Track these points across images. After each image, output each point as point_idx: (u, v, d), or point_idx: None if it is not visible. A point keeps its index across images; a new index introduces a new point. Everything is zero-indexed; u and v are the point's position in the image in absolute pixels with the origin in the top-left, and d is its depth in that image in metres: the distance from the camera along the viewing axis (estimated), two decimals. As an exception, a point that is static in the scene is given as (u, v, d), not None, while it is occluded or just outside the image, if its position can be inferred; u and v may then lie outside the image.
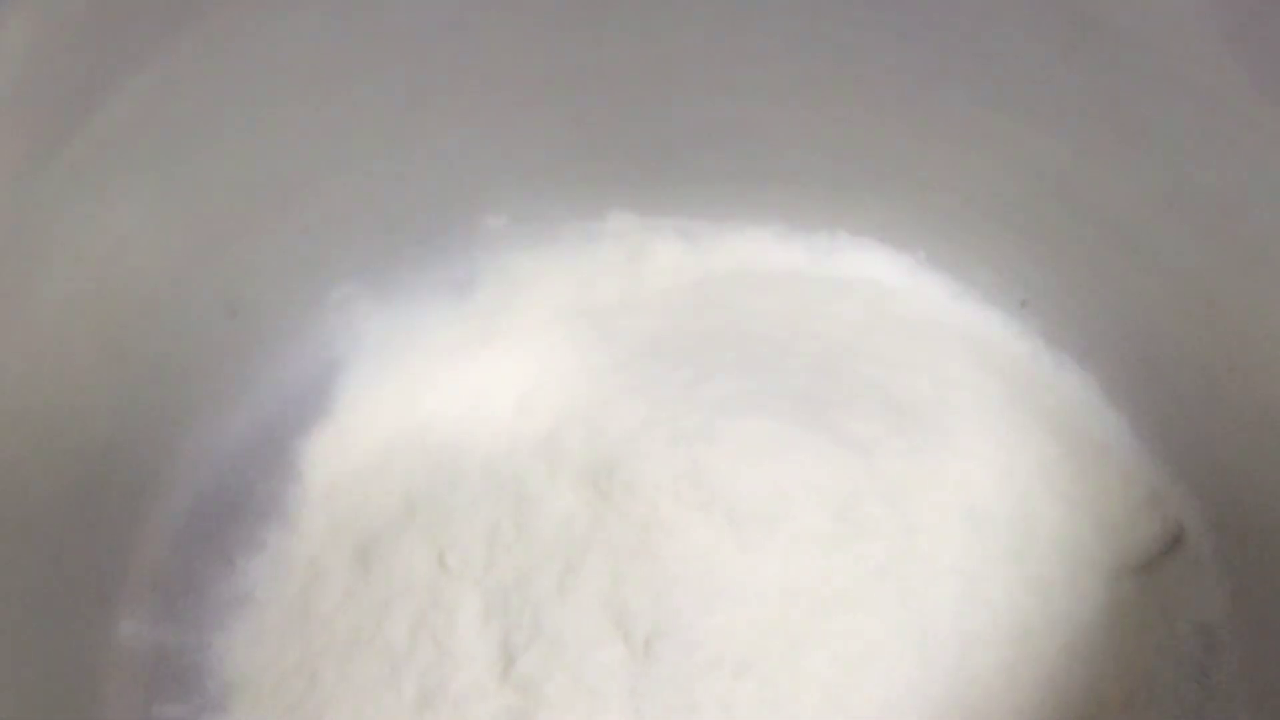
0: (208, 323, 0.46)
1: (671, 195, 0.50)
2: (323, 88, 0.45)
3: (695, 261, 0.49)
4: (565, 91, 0.48)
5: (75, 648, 0.42)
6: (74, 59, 0.38)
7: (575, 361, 0.46)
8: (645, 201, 0.50)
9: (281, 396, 0.47)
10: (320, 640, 0.42)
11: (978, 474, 0.43)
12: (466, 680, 0.40)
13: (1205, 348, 0.43)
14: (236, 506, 0.46)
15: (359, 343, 0.48)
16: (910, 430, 0.43)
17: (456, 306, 0.49)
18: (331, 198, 0.47)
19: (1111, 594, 0.42)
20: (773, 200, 0.49)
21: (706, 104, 0.48)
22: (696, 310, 0.48)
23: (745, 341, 0.46)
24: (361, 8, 0.44)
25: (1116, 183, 0.44)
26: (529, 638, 0.40)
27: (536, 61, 0.47)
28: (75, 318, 0.41)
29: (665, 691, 0.39)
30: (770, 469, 0.41)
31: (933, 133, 0.47)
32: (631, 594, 0.40)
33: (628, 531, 0.40)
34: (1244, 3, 0.38)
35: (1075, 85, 0.43)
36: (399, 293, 0.49)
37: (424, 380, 0.48)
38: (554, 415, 0.45)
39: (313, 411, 0.47)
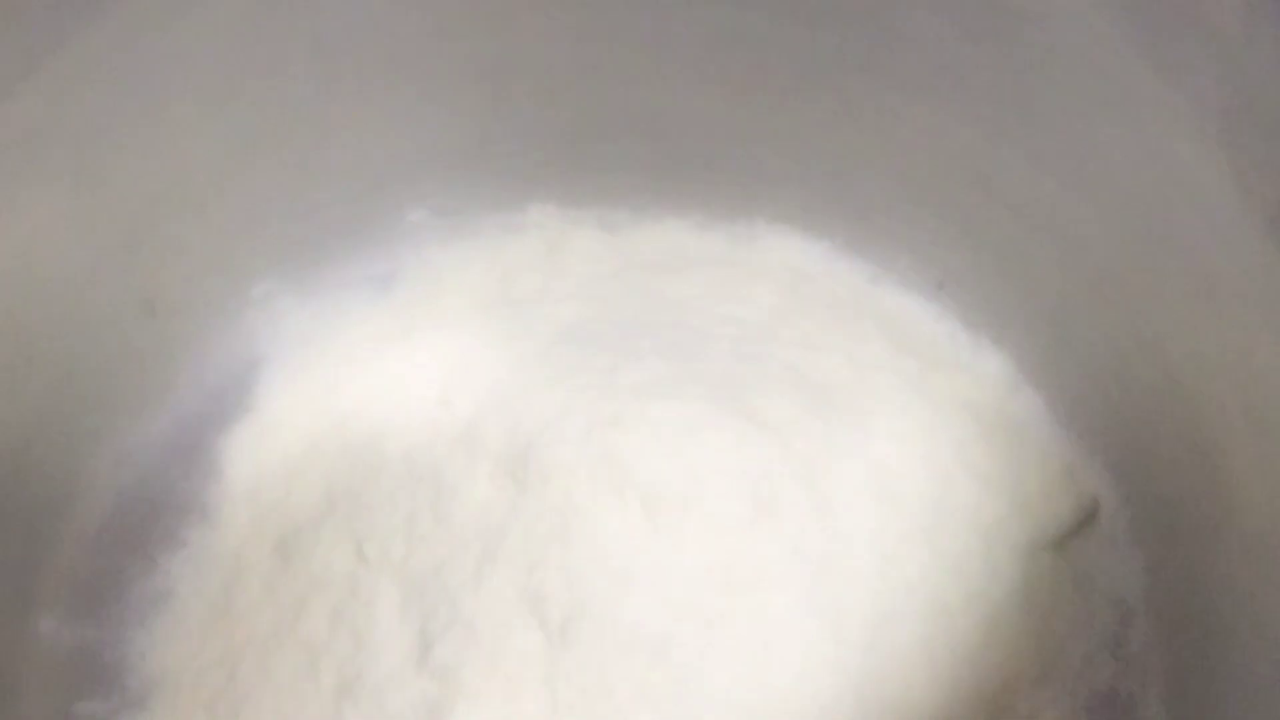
0: (125, 321, 0.46)
1: (591, 186, 0.50)
2: (236, 83, 0.45)
3: (615, 251, 0.49)
4: (484, 84, 0.48)
5: (-5, 647, 0.42)
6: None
7: (495, 351, 0.46)
8: (565, 193, 0.50)
9: (202, 394, 0.47)
10: (240, 635, 0.42)
11: (893, 454, 0.43)
12: (384, 669, 0.40)
13: (1114, 325, 0.44)
14: (158, 504, 0.46)
15: (280, 339, 0.48)
16: (826, 412, 0.44)
17: (378, 300, 0.49)
18: (249, 194, 0.47)
19: (1027, 570, 0.43)
20: (692, 189, 0.50)
21: (625, 95, 0.48)
22: (616, 299, 0.48)
23: (663, 328, 0.46)
24: (275, 5, 0.44)
25: (1027, 167, 0.45)
26: (445, 626, 0.40)
27: (453, 54, 0.47)
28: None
29: (581, 675, 0.39)
30: (685, 453, 0.41)
31: (848, 120, 0.47)
32: (547, 580, 0.40)
33: (543, 518, 0.41)
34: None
35: (986, 71, 0.44)
36: (320, 288, 0.49)
37: (345, 374, 0.47)
38: (474, 405, 0.45)
39: (234, 408, 0.47)
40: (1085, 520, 0.44)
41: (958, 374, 0.47)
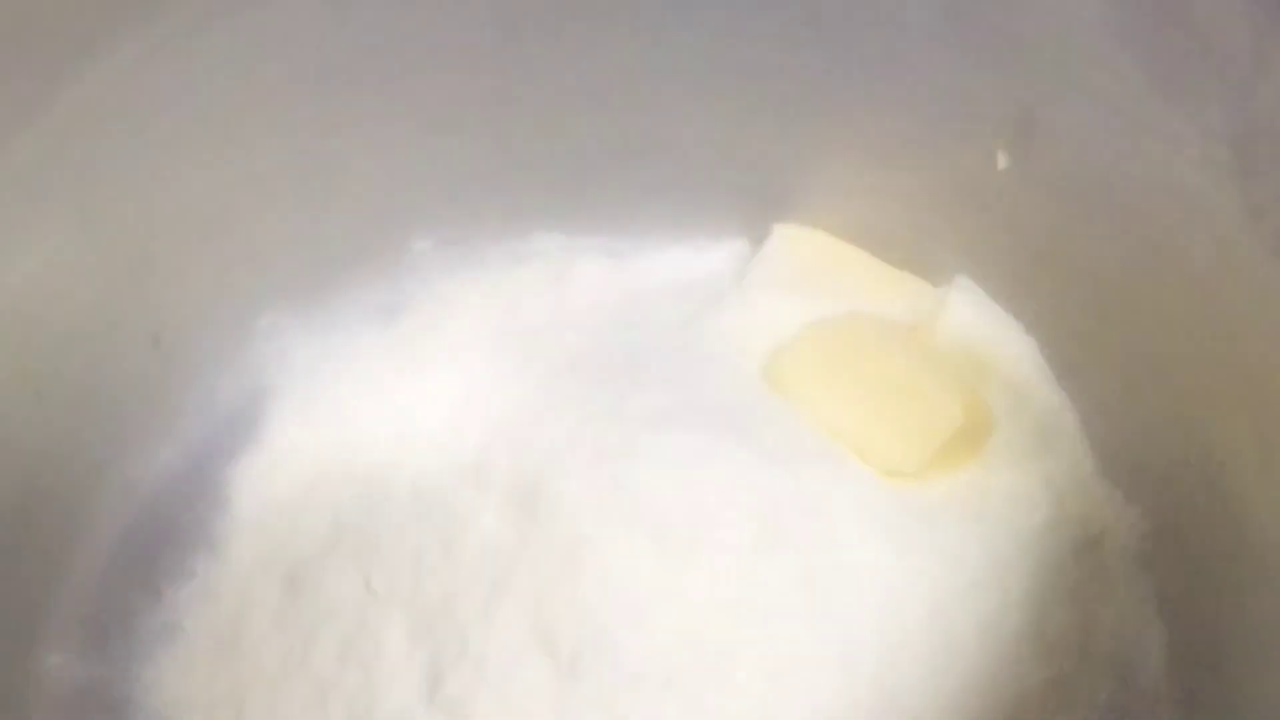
0: (132, 353, 0.46)
1: (596, 213, 0.50)
2: (239, 116, 0.45)
3: (620, 278, 0.50)
4: (487, 114, 0.48)
5: (1, 682, 0.42)
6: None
7: (502, 382, 0.46)
8: (570, 221, 0.50)
9: (209, 425, 0.48)
10: (248, 669, 0.42)
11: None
12: (394, 703, 0.40)
13: (1122, 349, 0.44)
14: (165, 537, 0.46)
15: (287, 370, 0.49)
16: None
17: (385, 331, 0.49)
18: (254, 226, 0.47)
19: (1035, 596, 0.43)
20: (696, 215, 0.50)
21: (627, 122, 0.48)
22: (622, 327, 0.48)
23: (668, 355, 0.46)
24: (278, 37, 0.44)
25: (1032, 191, 0.45)
26: (455, 659, 0.40)
27: (457, 84, 0.47)
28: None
29: (591, 709, 0.39)
30: (692, 484, 0.41)
31: (850, 144, 0.47)
32: (556, 612, 0.39)
33: (552, 550, 0.40)
34: (1139, 10, 0.38)
35: (989, 96, 0.44)
36: (327, 319, 0.49)
37: (352, 405, 0.47)
38: (481, 436, 0.45)
39: (241, 440, 0.47)
40: (1094, 545, 0.44)
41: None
